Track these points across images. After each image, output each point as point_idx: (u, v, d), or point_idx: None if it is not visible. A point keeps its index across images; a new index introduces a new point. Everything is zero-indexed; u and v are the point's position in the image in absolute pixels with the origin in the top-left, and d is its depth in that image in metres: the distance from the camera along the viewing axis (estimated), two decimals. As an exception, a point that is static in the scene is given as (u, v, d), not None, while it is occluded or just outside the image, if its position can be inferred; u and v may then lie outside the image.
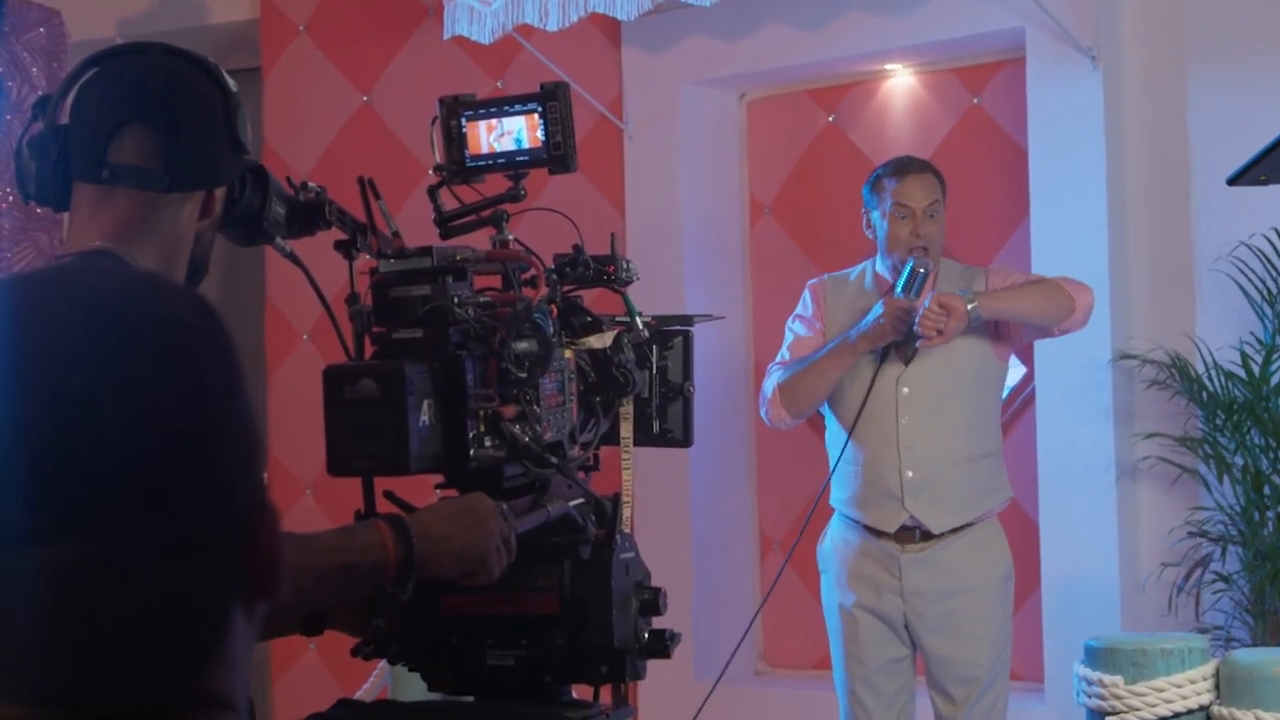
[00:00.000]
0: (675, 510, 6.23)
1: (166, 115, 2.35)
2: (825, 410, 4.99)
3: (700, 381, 6.05)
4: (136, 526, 1.04)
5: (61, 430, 1.02)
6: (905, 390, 4.81)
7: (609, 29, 6.23)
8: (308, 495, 6.56)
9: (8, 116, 6.13)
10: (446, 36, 5.93)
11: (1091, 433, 5.45)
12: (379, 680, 4.88)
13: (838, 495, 4.96)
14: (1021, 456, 5.59)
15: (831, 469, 4.98)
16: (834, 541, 5.00)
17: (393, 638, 2.49)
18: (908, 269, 4.74)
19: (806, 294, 5.08)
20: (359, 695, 4.65)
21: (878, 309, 4.73)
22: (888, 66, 6.17)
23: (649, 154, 6.30)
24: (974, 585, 4.82)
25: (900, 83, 6.20)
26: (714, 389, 6.28)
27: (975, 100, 6.05)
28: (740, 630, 6.12)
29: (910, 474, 4.79)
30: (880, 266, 4.91)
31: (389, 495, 2.43)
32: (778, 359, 5.02)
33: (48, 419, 1.02)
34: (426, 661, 2.53)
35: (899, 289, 4.74)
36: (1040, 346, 5.50)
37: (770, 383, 4.96)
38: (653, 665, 6.32)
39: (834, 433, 5.00)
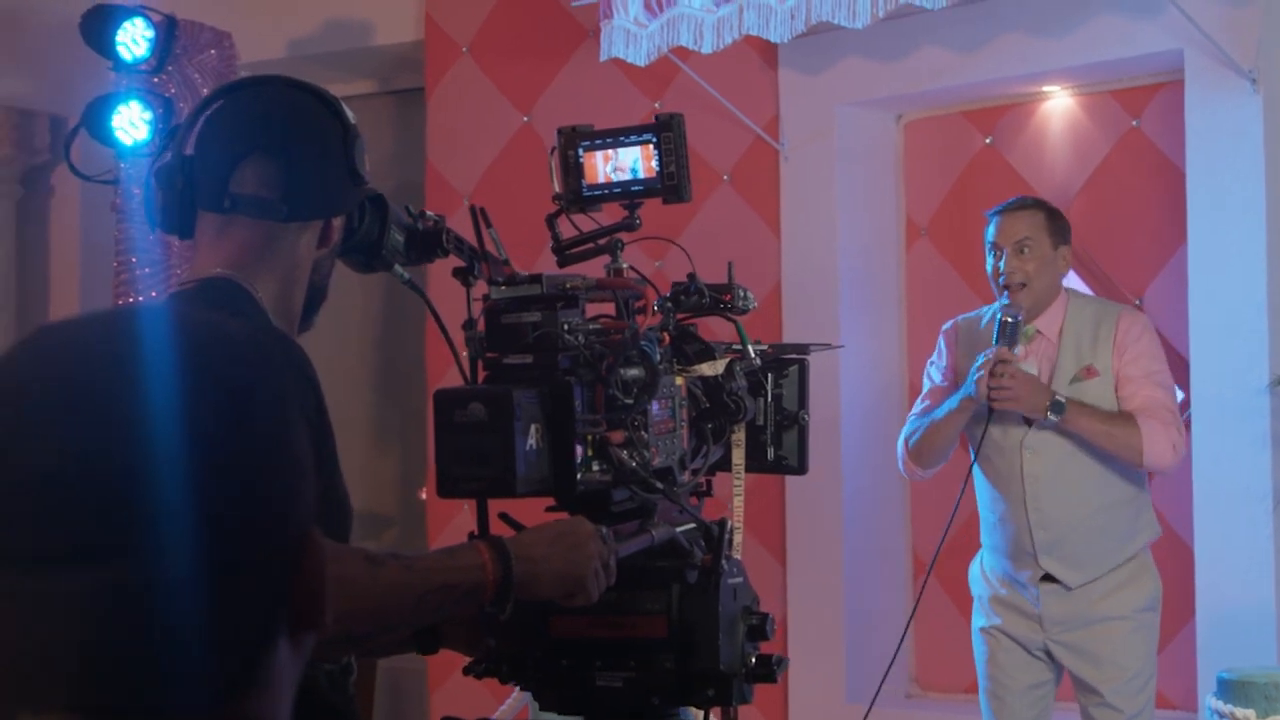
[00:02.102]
0: (828, 533, 6.23)
1: (286, 147, 2.42)
2: (972, 456, 5.02)
3: (854, 404, 6.12)
4: (178, 550, 1.07)
5: (109, 453, 1.07)
6: (1029, 452, 4.81)
7: (766, 51, 6.25)
8: (465, 510, 6.64)
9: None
10: (603, 58, 5.98)
11: (1249, 459, 5.36)
12: (521, 698, 4.94)
13: (985, 539, 4.98)
14: (1177, 482, 5.52)
15: (979, 508, 5.02)
16: (981, 566, 5.03)
17: (504, 657, 2.54)
18: (996, 322, 4.78)
19: (940, 340, 5.12)
20: (500, 712, 4.72)
21: (979, 360, 4.76)
22: (1045, 88, 6.12)
23: (805, 175, 6.31)
24: (1115, 615, 4.78)
25: (1058, 104, 6.16)
26: (868, 412, 6.28)
27: (1134, 122, 5.99)
28: (892, 652, 6.11)
29: (1041, 534, 4.79)
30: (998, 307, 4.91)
31: (504, 517, 2.48)
32: (914, 408, 5.09)
33: (96, 442, 1.07)
34: (537, 681, 2.57)
35: (994, 341, 4.77)
36: (1196, 372, 5.43)
37: (901, 438, 5.03)
38: (805, 687, 6.33)
39: (978, 481, 5.01)
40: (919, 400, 5.09)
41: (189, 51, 6.50)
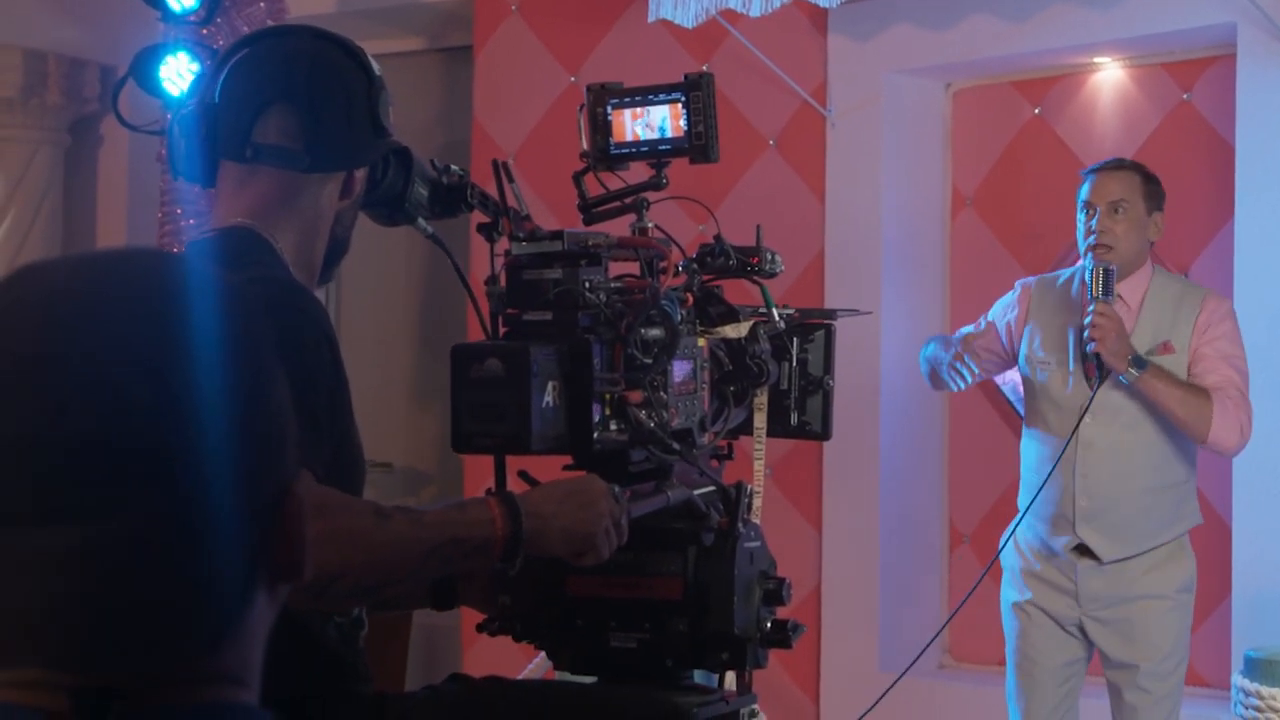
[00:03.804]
0: (865, 502, 6.20)
1: (309, 97, 2.41)
2: (1021, 414, 5.00)
3: (894, 373, 6.09)
4: (160, 506, 1.07)
5: (93, 409, 1.06)
6: (1089, 416, 4.71)
7: (815, 16, 6.20)
8: (503, 469, 6.63)
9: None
10: (651, 19, 5.95)
11: (1290, 438, 5.32)
12: (547, 659, 4.92)
13: (1023, 502, 4.92)
14: (1217, 461, 5.48)
15: (1022, 471, 4.97)
16: (1016, 539, 4.98)
17: (518, 616, 2.53)
18: (1088, 272, 4.69)
19: (1014, 293, 5.05)
20: (527, 671, 4.71)
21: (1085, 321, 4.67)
22: (1096, 59, 6.06)
23: (851, 142, 6.27)
24: (1150, 593, 4.73)
25: (1108, 76, 6.10)
26: (908, 381, 6.24)
27: (1185, 96, 5.93)
28: (926, 622, 6.08)
29: (1084, 502, 4.73)
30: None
31: (523, 475, 2.47)
32: (959, 331, 5.16)
33: (80, 399, 1.06)
34: (551, 640, 2.57)
35: (1089, 293, 4.67)
36: (1240, 349, 5.38)
37: (922, 354, 5.14)
38: (838, 656, 6.31)
39: (1025, 442, 4.97)
40: (969, 326, 5.14)
41: (238, 4, 6.49)
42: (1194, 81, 5.92)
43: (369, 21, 7.03)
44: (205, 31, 6.40)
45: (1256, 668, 3.79)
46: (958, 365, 4.91)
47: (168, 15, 6.35)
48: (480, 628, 2.55)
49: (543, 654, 4.98)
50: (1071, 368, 4.77)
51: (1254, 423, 5.22)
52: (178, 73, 6.23)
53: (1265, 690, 3.72)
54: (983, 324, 5.07)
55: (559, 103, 6.77)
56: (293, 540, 1.16)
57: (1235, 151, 5.53)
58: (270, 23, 6.42)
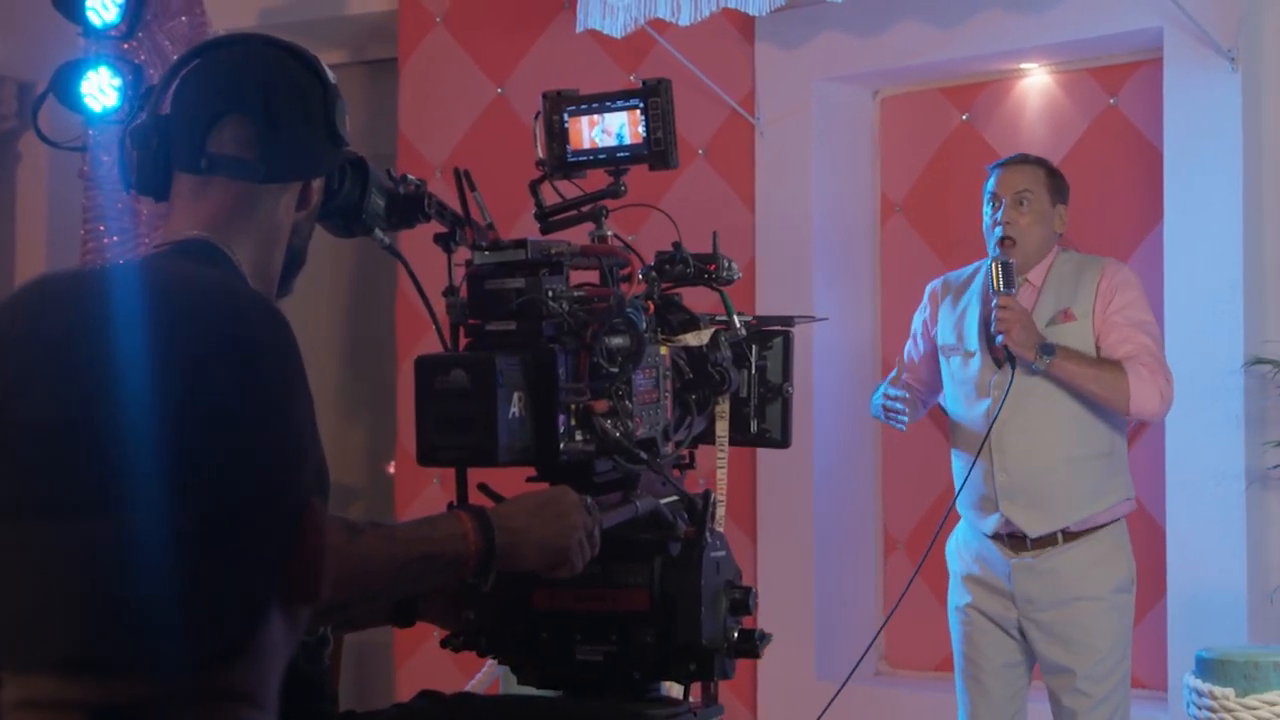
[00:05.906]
0: (799, 509, 6.20)
1: (264, 106, 2.37)
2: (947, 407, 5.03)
3: (827, 379, 6.08)
4: (178, 512, 1.04)
5: (109, 406, 1.04)
6: (997, 392, 4.76)
7: (743, 25, 6.21)
8: (435, 484, 6.60)
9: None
10: (579, 30, 5.93)
11: (1222, 439, 5.35)
12: (492, 671, 4.89)
13: (958, 500, 4.95)
14: (1150, 462, 5.51)
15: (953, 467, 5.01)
16: (956, 542, 5.01)
17: (482, 630, 2.50)
18: (986, 268, 4.80)
19: (924, 298, 5.13)
20: (471, 685, 4.67)
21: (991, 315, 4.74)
22: (1023, 65, 6.10)
23: (780, 150, 6.27)
24: (1087, 594, 4.75)
25: (1035, 82, 6.13)
26: (841, 387, 6.25)
27: (1111, 101, 5.97)
28: (862, 629, 6.08)
29: (1003, 477, 4.77)
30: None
31: (482, 488, 2.44)
32: (894, 369, 5.19)
33: (103, 398, 1.04)
34: (516, 655, 2.54)
35: (992, 286, 4.74)
36: (1171, 351, 5.39)
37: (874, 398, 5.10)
38: (775, 664, 6.30)
39: (950, 431, 5.02)
40: (902, 354, 5.19)
41: (160, 18, 6.42)
42: (1121, 86, 5.95)
43: (291, 34, 6.86)
44: (127, 46, 6.32)
45: (1209, 668, 3.81)
46: (887, 404, 4.96)
47: (88, 30, 6.27)
48: (445, 643, 2.52)
49: (488, 666, 4.96)
50: (974, 348, 4.83)
51: (1186, 423, 5.28)
52: (99, 88, 6.17)
53: (1218, 690, 3.74)
54: (908, 344, 5.13)
55: (486, 115, 6.75)
56: (311, 559, 1.14)
57: (1163, 155, 5.57)
58: (195, 36, 6.35)
